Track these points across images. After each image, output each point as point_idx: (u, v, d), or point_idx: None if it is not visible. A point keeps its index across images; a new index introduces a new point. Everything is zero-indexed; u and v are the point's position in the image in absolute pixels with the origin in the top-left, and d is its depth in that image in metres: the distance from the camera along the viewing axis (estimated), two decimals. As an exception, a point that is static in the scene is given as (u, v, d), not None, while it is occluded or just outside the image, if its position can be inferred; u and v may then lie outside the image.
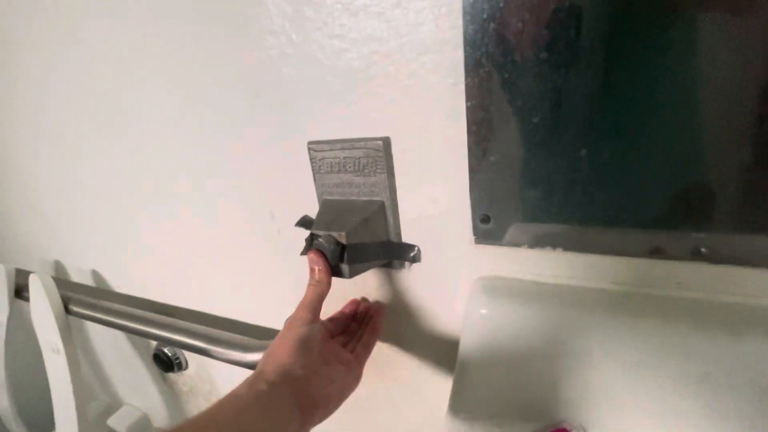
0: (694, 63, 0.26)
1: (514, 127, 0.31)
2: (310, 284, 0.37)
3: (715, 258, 0.29)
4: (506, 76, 0.30)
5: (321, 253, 0.36)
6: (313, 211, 0.44)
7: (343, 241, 0.35)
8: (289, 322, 0.35)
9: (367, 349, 0.40)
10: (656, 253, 0.31)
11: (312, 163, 0.41)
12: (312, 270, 0.37)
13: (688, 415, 0.28)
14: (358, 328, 0.42)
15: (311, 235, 0.37)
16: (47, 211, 0.73)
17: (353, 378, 0.37)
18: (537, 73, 0.29)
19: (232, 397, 0.30)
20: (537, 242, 0.34)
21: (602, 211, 0.31)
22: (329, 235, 0.36)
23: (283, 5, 0.36)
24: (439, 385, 0.45)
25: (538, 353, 0.33)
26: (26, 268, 0.69)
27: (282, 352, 0.33)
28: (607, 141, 0.29)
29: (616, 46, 0.27)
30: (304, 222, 0.41)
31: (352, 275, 0.37)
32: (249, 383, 0.32)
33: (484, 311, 0.34)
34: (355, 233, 0.36)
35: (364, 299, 0.46)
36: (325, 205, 0.41)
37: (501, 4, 0.28)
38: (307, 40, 0.36)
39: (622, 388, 0.29)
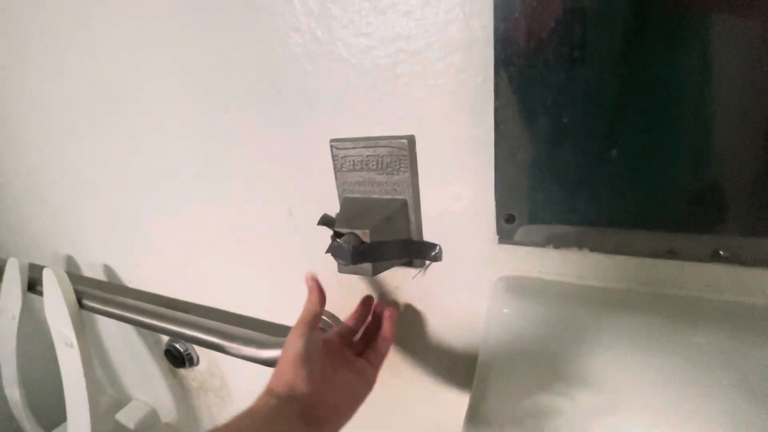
0: (713, 64, 0.26)
1: (543, 126, 0.31)
2: (306, 302, 0.38)
3: (734, 260, 0.29)
4: (537, 74, 0.30)
5: (315, 280, 0.39)
6: (332, 208, 0.44)
7: (366, 239, 0.35)
8: (288, 339, 0.36)
9: (381, 355, 0.40)
10: (673, 254, 0.31)
11: (334, 160, 0.40)
12: (309, 290, 0.38)
13: (714, 416, 0.28)
14: (375, 330, 0.42)
15: (335, 233, 0.37)
16: (59, 205, 0.73)
17: (365, 385, 0.37)
18: (568, 71, 0.29)
19: (248, 413, 0.31)
20: (562, 242, 0.34)
21: (629, 212, 0.31)
22: (352, 233, 0.36)
23: (309, 3, 0.35)
24: (458, 385, 0.45)
25: (562, 353, 0.32)
26: (38, 262, 0.70)
27: (286, 369, 0.33)
28: (637, 141, 0.29)
29: (647, 46, 0.27)
30: (326, 220, 0.41)
31: (374, 273, 0.37)
32: (262, 397, 0.32)
33: (506, 310, 0.34)
34: (377, 231, 0.36)
35: (378, 299, 0.46)
36: (347, 203, 0.41)
37: (534, 2, 0.28)
38: (332, 38, 0.36)
39: (649, 391, 0.29)
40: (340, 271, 0.37)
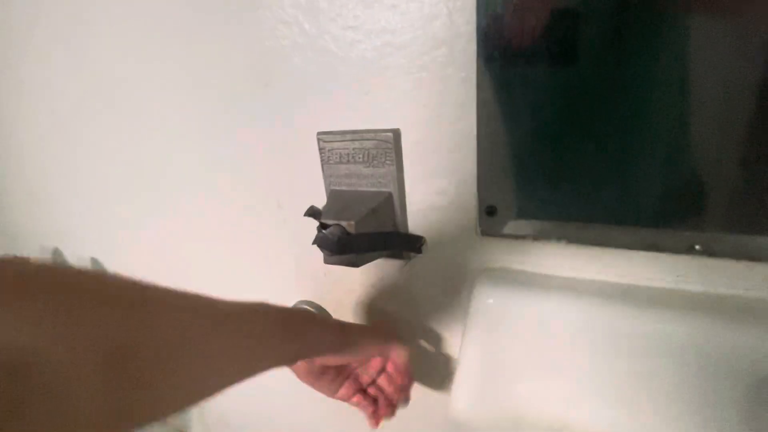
0: (689, 63, 0.27)
1: (524, 121, 0.32)
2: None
3: (709, 253, 0.30)
4: (518, 70, 0.31)
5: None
6: (320, 201, 0.44)
7: (352, 230, 0.36)
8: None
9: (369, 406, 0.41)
10: (653, 248, 0.32)
11: (321, 153, 0.41)
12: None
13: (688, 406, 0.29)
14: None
15: (321, 224, 0.37)
16: (46, 197, 0.72)
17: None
18: (548, 68, 0.30)
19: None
20: (542, 234, 0.35)
21: (605, 205, 0.32)
22: (338, 225, 0.36)
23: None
24: (440, 374, 0.46)
25: (545, 344, 0.33)
26: (25, 255, 0.69)
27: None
28: (615, 138, 0.30)
29: (622, 45, 0.28)
30: (313, 212, 0.41)
31: (359, 264, 0.37)
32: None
33: (490, 301, 0.35)
34: (363, 223, 0.37)
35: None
36: (334, 196, 0.41)
37: (515, 0, 0.29)
38: (320, 31, 0.36)
39: (630, 380, 0.30)
40: (326, 261, 0.38)
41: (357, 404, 0.40)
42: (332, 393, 0.40)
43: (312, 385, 0.39)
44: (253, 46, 0.40)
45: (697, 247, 0.31)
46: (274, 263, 0.52)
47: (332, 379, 0.39)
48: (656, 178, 0.30)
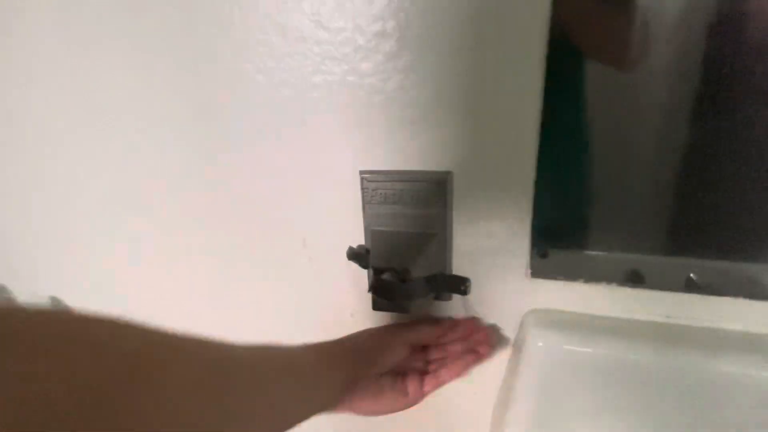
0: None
1: (585, 167, 0.33)
2: (428, 326, 0.40)
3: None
4: (580, 118, 0.32)
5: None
6: (350, 240, 0.42)
7: (407, 276, 0.35)
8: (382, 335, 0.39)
9: (438, 383, 0.40)
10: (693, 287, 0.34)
11: (364, 192, 0.39)
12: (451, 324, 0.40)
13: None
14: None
15: (374, 270, 0.35)
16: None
17: (403, 402, 0.38)
18: (608, 125, 0.31)
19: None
20: (593, 277, 0.36)
21: (658, 246, 0.34)
22: (392, 270, 0.35)
23: (357, 37, 0.35)
24: (474, 416, 0.45)
25: (599, 385, 0.34)
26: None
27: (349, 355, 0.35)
28: (674, 184, 0.32)
29: (706, 109, 0.30)
30: (356, 254, 0.39)
31: (414, 311, 0.36)
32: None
33: (540, 343, 0.35)
34: (416, 268, 0.36)
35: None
36: (377, 237, 0.40)
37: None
38: (376, 70, 0.35)
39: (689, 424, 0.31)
40: (376, 308, 0.36)
41: (434, 387, 0.39)
42: (404, 398, 0.38)
43: (376, 406, 0.37)
44: (295, 81, 0.38)
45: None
46: (296, 303, 0.48)
47: (392, 385, 0.38)
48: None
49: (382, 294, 0.34)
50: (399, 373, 0.39)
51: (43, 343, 0.15)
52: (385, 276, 0.35)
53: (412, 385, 0.39)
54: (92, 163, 0.50)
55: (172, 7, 0.39)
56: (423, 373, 0.40)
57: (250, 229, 0.46)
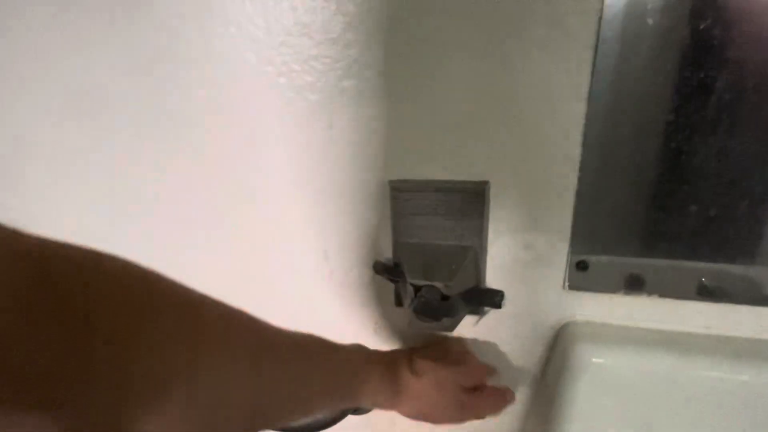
0: None
1: (628, 180, 0.32)
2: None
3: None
4: (627, 133, 0.31)
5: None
6: (380, 253, 0.41)
7: (448, 292, 0.33)
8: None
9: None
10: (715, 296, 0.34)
11: (393, 203, 0.37)
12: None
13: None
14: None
15: (412, 285, 0.34)
16: None
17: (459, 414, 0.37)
18: (657, 133, 0.31)
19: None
20: (632, 289, 0.35)
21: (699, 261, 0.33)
22: (431, 286, 0.33)
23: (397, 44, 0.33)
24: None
25: (649, 399, 0.33)
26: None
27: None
28: (715, 200, 0.31)
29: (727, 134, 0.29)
30: (386, 268, 0.37)
31: (454, 328, 0.34)
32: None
33: (596, 359, 0.34)
34: (456, 283, 0.34)
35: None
36: (407, 250, 0.38)
37: (636, 70, 0.29)
38: (412, 75, 0.33)
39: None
40: (414, 327, 0.34)
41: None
42: (462, 406, 0.36)
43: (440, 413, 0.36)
44: (322, 87, 0.35)
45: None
46: (317, 320, 0.46)
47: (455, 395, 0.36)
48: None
49: (426, 312, 0.32)
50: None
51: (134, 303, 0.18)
52: (425, 293, 0.33)
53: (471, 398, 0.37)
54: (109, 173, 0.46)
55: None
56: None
57: (267, 240, 0.43)
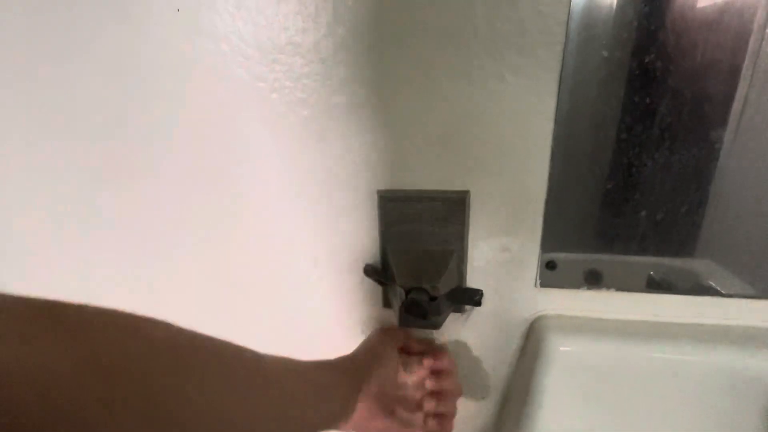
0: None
1: (588, 189, 0.37)
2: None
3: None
4: (587, 148, 0.36)
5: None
6: (367, 259, 0.43)
7: (436, 293, 0.36)
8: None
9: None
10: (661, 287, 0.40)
11: (381, 211, 0.40)
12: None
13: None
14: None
15: (401, 288, 0.36)
16: None
17: None
18: (613, 149, 0.35)
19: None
20: (592, 283, 0.40)
21: (648, 256, 0.39)
22: (421, 288, 0.36)
23: (384, 64, 0.35)
24: (484, 416, 0.48)
25: (612, 379, 0.38)
26: None
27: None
28: (660, 205, 0.37)
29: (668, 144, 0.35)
30: (376, 271, 0.40)
31: (441, 325, 0.37)
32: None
33: (563, 348, 0.39)
34: (442, 284, 0.37)
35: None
36: (396, 255, 0.41)
37: (594, 94, 0.34)
38: (395, 93, 0.36)
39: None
40: (404, 325, 0.37)
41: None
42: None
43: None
44: (315, 101, 0.37)
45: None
46: (307, 325, 0.47)
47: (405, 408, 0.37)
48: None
49: (415, 312, 0.35)
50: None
51: (108, 337, 0.17)
52: (414, 294, 0.36)
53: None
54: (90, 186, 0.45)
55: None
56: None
57: (260, 248, 0.44)
